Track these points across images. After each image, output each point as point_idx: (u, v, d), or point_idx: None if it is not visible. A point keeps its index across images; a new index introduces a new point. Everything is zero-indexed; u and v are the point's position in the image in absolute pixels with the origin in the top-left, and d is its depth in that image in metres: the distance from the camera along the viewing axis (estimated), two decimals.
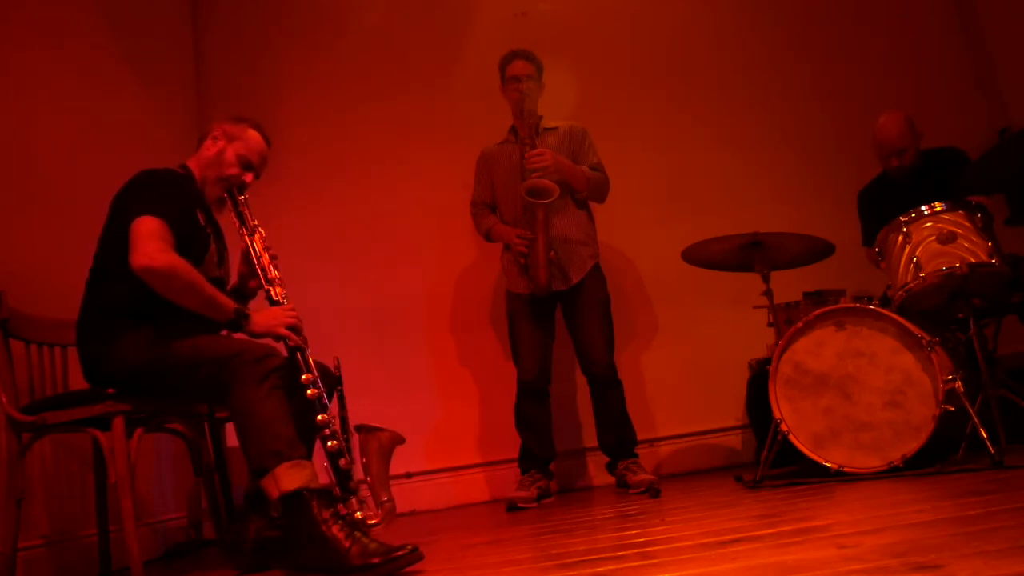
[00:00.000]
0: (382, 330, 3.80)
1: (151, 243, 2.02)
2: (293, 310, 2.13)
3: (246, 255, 2.27)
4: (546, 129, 3.27)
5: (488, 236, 3.34)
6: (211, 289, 2.08)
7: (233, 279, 2.42)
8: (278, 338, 2.07)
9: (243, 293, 2.39)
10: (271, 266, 2.20)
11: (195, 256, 2.16)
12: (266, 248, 2.22)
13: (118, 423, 2.07)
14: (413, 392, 3.73)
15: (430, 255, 3.88)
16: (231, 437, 2.81)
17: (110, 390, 2.07)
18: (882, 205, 3.17)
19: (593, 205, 3.33)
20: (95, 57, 3.22)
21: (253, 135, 2.34)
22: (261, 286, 2.21)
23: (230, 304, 2.09)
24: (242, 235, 2.24)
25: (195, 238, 2.19)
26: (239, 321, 2.08)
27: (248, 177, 2.31)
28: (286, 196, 3.87)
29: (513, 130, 3.32)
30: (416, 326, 3.83)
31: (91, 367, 2.13)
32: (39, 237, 2.63)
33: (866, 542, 1.33)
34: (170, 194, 2.15)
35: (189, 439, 2.74)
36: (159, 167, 2.22)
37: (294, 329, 2.08)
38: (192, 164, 2.32)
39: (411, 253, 3.87)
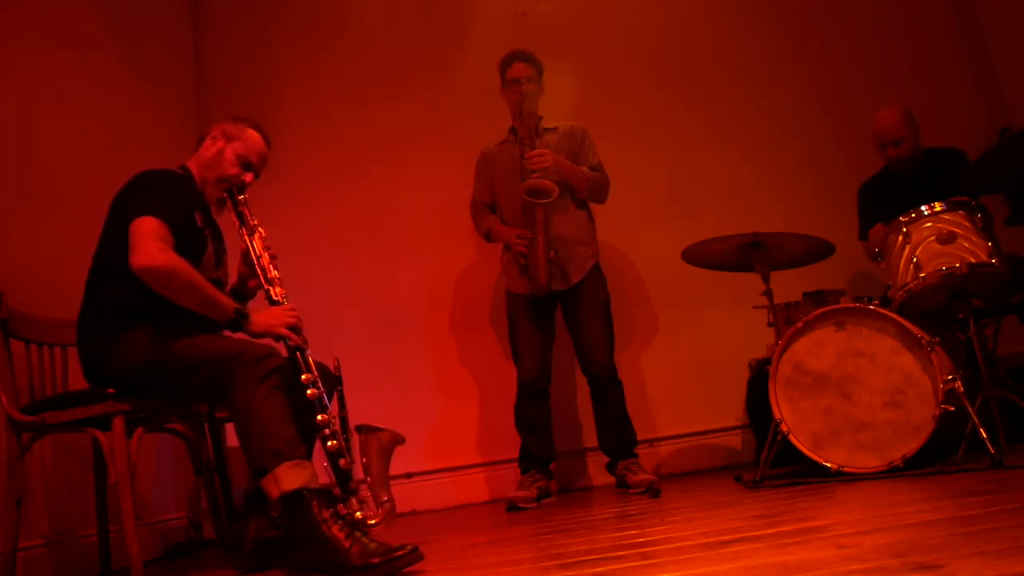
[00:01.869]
0: (382, 330, 3.80)
1: (151, 243, 2.02)
2: (293, 310, 2.13)
3: (246, 255, 2.27)
4: (546, 129, 3.27)
5: (488, 236, 3.34)
6: (211, 289, 2.08)
7: (233, 279, 2.42)
8: (278, 338, 2.07)
9: (242, 293, 2.39)
10: (271, 266, 2.20)
11: (192, 257, 2.15)
12: (266, 248, 2.22)
13: (118, 423, 2.07)
14: (413, 392, 3.73)
15: (430, 255, 3.87)
16: (231, 437, 2.81)
17: (110, 390, 2.07)
18: (882, 200, 3.17)
19: (593, 205, 3.32)
20: (95, 57, 3.22)
21: (252, 135, 2.34)
22: (261, 286, 2.21)
23: (230, 304, 2.10)
24: (242, 235, 2.24)
25: (193, 239, 2.19)
26: (239, 321, 2.09)
27: (248, 177, 2.31)
28: (286, 196, 3.86)
29: (513, 130, 3.31)
30: (416, 326, 3.83)
31: (91, 367, 2.13)
32: (39, 237, 2.63)
33: (866, 542, 1.33)
34: (169, 195, 2.15)
35: (189, 439, 2.74)
36: (159, 167, 2.22)
37: (294, 329, 2.08)
38: (192, 165, 2.33)
39: (411, 253, 3.87)
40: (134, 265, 2.00)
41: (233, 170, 2.28)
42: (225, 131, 2.32)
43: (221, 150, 2.29)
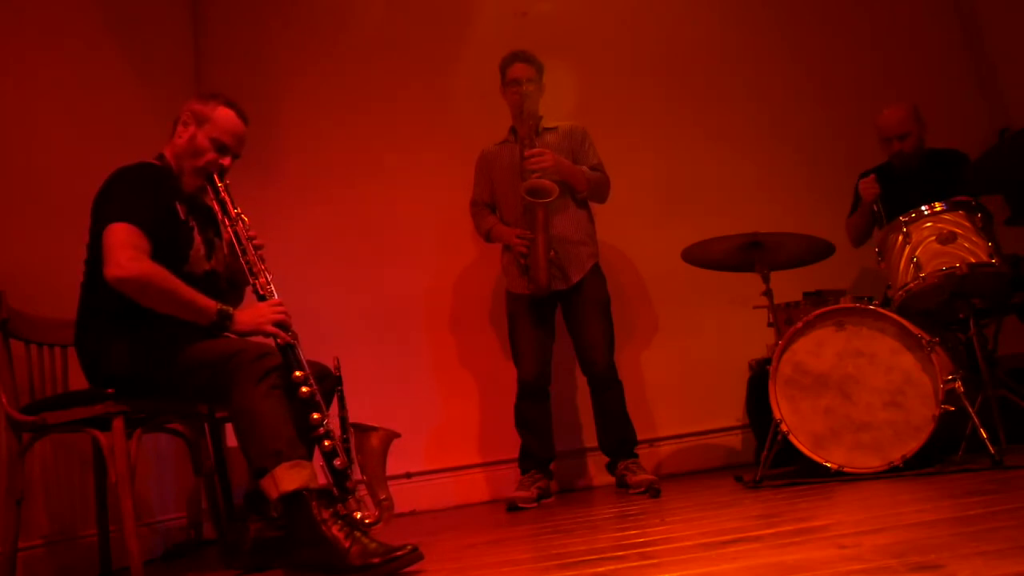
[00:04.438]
0: (382, 330, 3.80)
1: (122, 252, 1.95)
2: (280, 304, 2.06)
3: (231, 246, 2.19)
4: (546, 129, 3.27)
5: (488, 237, 3.34)
6: (189, 294, 2.00)
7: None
8: (265, 336, 2.01)
9: (236, 282, 2.34)
10: (256, 258, 2.11)
11: (180, 254, 2.12)
12: (249, 238, 2.12)
13: (118, 423, 2.07)
14: (413, 392, 3.73)
15: (430, 255, 3.87)
16: (231, 437, 2.81)
17: (110, 390, 2.06)
18: (881, 190, 3.16)
19: (593, 205, 3.32)
20: (95, 56, 3.22)
21: (223, 113, 2.19)
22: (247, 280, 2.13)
23: (211, 306, 2.02)
24: (224, 225, 2.15)
25: (177, 234, 2.13)
26: (222, 322, 2.02)
27: (226, 160, 2.19)
28: (286, 196, 3.88)
29: (513, 130, 3.31)
30: (416, 326, 3.83)
31: (91, 368, 2.12)
32: (39, 237, 2.63)
33: (866, 542, 1.33)
34: (143, 194, 2.06)
35: (189, 439, 2.74)
36: (134, 162, 2.15)
37: (282, 326, 2.01)
38: (168, 153, 2.22)
39: (411, 253, 3.87)
40: (107, 277, 1.95)
41: (209, 156, 2.16)
42: (195, 113, 2.19)
43: (193, 136, 2.17)
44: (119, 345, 2.05)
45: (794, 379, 2.54)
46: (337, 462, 1.89)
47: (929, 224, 2.55)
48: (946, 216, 2.54)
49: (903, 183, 3.13)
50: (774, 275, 2.85)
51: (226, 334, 2.07)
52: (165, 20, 3.88)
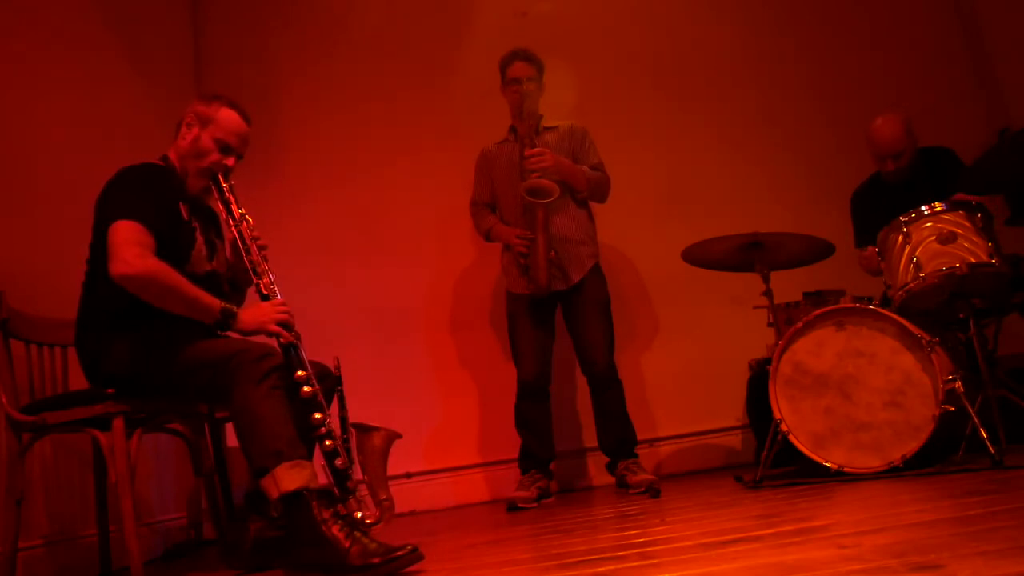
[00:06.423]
0: (382, 330, 3.80)
1: (128, 249, 1.97)
2: (283, 304, 2.07)
3: (235, 246, 2.20)
4: (546, 128, 3.27)
5: (488, 236, 3.34)
6: (194, 291, 2.01)
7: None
8: (268, 335, 2.02)
9: (238, 283, 2.34)
10: (260, 257, 2.12)
11: (182, 254, 2.12)
12: (254, 238, 2.13)
13: (118, 423, 2.07)
14: (413, 392, 3.73)
15: (430, 255, 3.88)
16: (231, 437, 2.81)
17: (110, 390, 2.06)
18: (876, 206, 3.15)
19: (593, 205, 3.32)
20: (95, 56, 3.22)
21: (227, 114, 2.21)
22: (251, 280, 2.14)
23: (215, 304, 2.03)
24: (228, 225, 2.16)
25: (179, 234, 2.14)
26: (226, 321, 2.03)
27: (230, 161, 2.21)
28: (286, 195, 3.87)
29: (513, 129, 3.31)
30: (416, 326, 3.83)
31: (91, 367, 2.12)
32: (39, 237, 2.63)
33: (866, 542, 1.33)
34: (147, 193, 2.08)
35: (189, 439, 2.74)
36: (138, 162, 2.16)
37: (285, 325, 2.02)
38: (172, 154, 2.24)
39: (411, 253, 3.87)
40: (112, 273, 1.96)
41: (213, 156, 2.18)
42: (198, 114, 2.21)
43: (197, 137, 2.19)
44: (119, 345, 2.05)
45: (794, 379, 2.54)
46: (338, 462, 1.89)
47: (929, 224, 2.55)
48: (946, 216, 2.54)
49: (897, 190, 3.12)
50: (774, 275, 2.85)
51: (229, 333, 2.08)
52: (165, 20, 3.88)
